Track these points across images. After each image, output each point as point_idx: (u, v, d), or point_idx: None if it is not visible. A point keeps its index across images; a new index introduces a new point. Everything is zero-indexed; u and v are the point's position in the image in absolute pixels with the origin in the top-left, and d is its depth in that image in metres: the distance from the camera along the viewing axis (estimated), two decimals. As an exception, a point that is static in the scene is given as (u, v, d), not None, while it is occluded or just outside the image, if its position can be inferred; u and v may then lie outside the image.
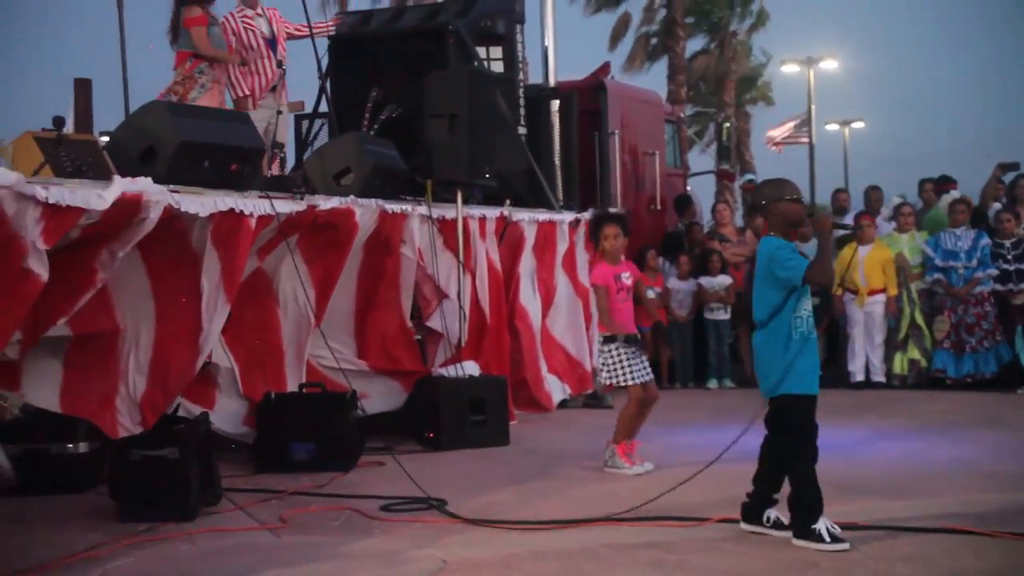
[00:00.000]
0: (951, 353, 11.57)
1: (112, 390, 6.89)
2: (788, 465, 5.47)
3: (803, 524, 5.36)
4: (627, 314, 7.68)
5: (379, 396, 8.92)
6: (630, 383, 7.49)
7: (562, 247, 10.98)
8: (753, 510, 5.65)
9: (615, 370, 7.52)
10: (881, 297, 11.78)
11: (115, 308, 6.97)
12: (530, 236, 10.56)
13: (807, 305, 5.56)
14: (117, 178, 6.09)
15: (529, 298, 10.53)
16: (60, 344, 6.75)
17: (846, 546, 5.26)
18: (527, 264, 10.54)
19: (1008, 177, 12.92)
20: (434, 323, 9.49)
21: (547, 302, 10.85)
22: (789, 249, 5.53)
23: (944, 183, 13.28)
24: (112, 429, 6.72)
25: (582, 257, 11.22)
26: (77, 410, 6.86)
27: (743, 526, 5.63)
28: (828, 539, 5.28)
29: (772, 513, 5.59)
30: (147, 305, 7.04)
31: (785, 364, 5.45)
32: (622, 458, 7.43)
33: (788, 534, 5.45)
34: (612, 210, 10.24)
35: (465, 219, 9.49)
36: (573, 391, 10.93)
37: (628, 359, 7.49)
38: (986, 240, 11.66)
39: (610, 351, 7.53)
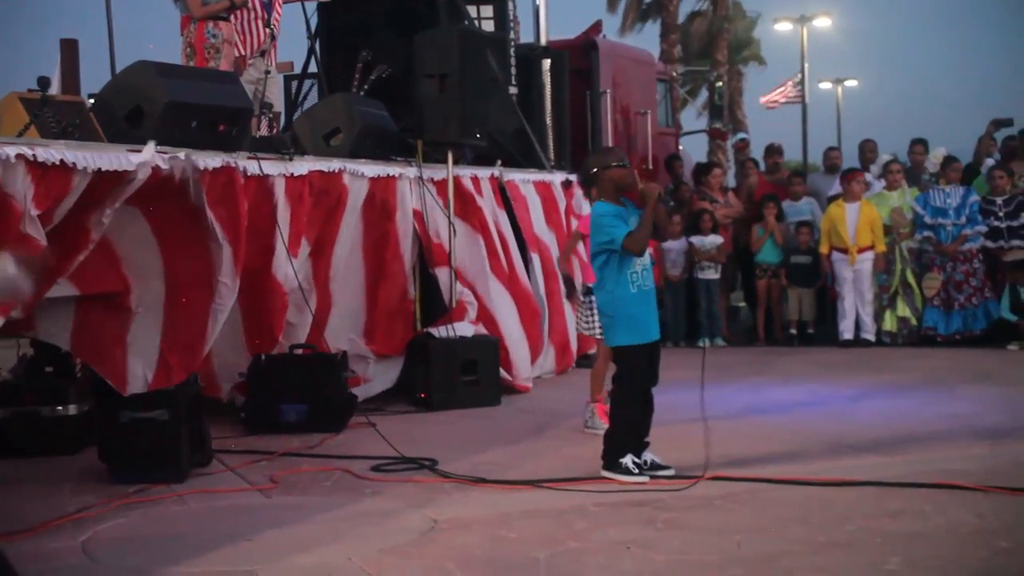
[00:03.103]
0: (940, 311, 11.57)
1: (123, 345, 6.79)
2: (613, 405, 6.13)
3: (612, 458, 5.95)
4: None
5: (379, 378, 8.88)
6: (598, 336, 7.42)
7: (562, 206, 10.93)
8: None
9: (590, 321, 7.55)
10: (870, 254, 11.73)
11: (122, 266, 6.88)
12: (533, 197, 10.50)
13: (640, 261, 6.01)
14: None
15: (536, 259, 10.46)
16: (70, 299, 6.68)
17: (645, 479, 5.84)
18: (539, 227, 10.49)
19: (1001, 134, 12.88)
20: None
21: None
22: (612, 215, 6.01)
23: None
24: (121, 385, 6.57)
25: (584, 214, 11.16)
26: (86, 355, 6.79)
27: (603, 472, 5.95)
28: (634, 472, 5.87)
29: (648, 456, 5.98)
30: (155, 266, 6.93)
31: (618, 318, 6.01)
32: (602, 418, 7.35)
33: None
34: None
35: (458, 179, 9.41)
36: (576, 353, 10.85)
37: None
38: (975, 197, 11.64)
39: (588, 302, 7.51)
